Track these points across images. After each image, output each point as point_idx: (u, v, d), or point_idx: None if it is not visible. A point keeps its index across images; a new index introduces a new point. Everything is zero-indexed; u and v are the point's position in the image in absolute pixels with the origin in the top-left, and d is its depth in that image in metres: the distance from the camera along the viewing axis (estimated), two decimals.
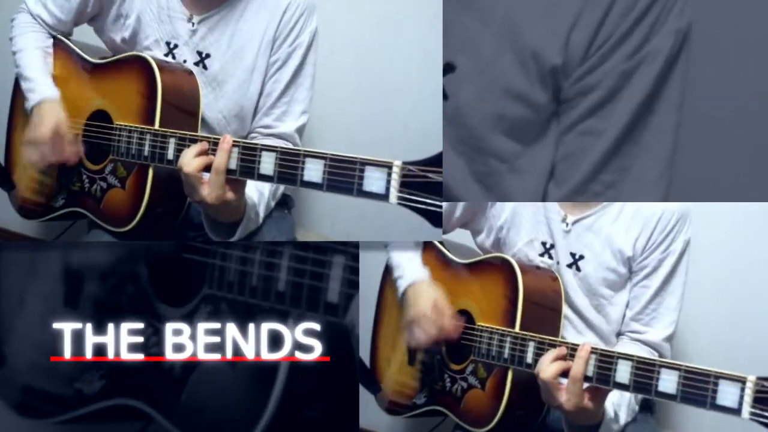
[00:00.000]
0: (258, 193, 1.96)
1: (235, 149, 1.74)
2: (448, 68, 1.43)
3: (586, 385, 1.71)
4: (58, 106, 2.01)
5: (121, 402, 1.92)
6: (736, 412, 1.52)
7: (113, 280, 1.94)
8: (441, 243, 2.10)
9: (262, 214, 1.98)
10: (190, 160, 1.77)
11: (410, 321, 2.02)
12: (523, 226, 1.98)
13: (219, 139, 1.75)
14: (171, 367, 1.86)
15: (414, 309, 2.01)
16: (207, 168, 1.76)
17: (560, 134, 1.31)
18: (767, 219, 2.19)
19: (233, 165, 1.74)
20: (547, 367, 1.74)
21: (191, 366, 1.84)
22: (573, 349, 1.74)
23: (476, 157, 1.50)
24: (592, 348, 1.71)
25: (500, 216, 2.00)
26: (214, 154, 1.75)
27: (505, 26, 1.29)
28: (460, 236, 2.14)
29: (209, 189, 1.75)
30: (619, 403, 1.84)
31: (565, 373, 1.73)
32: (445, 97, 1.46)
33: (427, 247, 2.10)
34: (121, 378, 1.91)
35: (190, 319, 1.85)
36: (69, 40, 2.10)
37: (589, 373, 1.70)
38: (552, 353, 1.76)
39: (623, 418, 1.85)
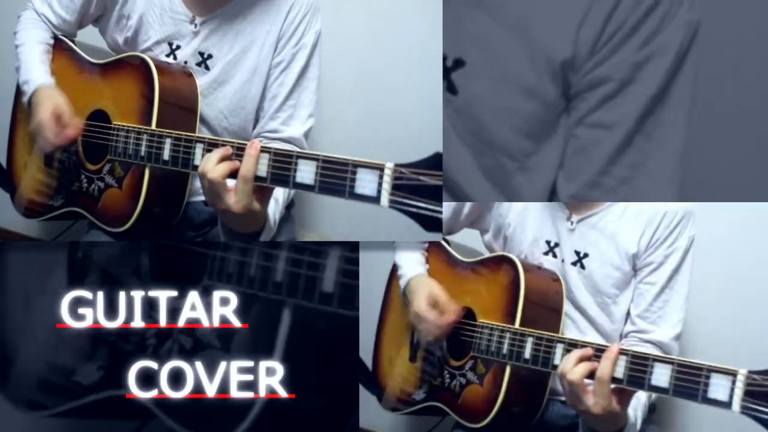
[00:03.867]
0: (273, 200, 1.91)
1: None
2: (457, 63, 1.42)
3: (613, 386, 1.65)
4: (55, 91, 2.01)
5: (119, 393, 1.90)
6: (727, 405, 1.51)
7: (113, 271, 1.95)
8: (446, 242, 2.10)
9: (277, 222, 1.95)
10: (213, 166, 1.67)
11: (412, 319, 2.03)
12: (529, 225, 1.99)
13: (244, 143, 1.66)
14: (167, 358, 1.85)
15: (413, 305, 2.02)
16: (231, 174, 1.67)
17: (571, 128, 1.29)
18: (767, 219, 2.18)
19: None
20: (574, 369, 1.68)
21: (186, 356, 1.84)
22: (597, 350, 1.70)
23: (485, 151, 1.46)
24: (622, 349, 1.66)
25: (507, 215, 2.01)
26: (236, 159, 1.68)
27: (516, 21, 1.28)
28: (465, 238, 2.15)
29: (236, 198, 1.65)
30: (635, 406, 1.80)
31: (590, 375, 1.67)
32: (454, 92, 1.44)
33: (432, 246, 2.10)
34: (119, 369, 1.90)
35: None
36: (71, 40, 2.12)
37: None
38: (576, 354, 1.69)
39: (639, 421, 1.82)
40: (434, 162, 1.51)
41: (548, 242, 1.97)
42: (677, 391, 1.56)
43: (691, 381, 1.55)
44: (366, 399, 2.08)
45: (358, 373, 2.07)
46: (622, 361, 1.64)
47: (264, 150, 1.66)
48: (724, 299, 2.21)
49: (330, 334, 1.78)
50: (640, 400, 1.81)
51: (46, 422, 2.06)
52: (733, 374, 1.50)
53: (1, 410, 2.02)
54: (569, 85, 1.24)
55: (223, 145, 1.70)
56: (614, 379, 1.64)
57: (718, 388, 1.52)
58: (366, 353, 2.15)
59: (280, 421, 1.79)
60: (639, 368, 1.61)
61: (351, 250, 1.73)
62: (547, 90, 1.25)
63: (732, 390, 1.50)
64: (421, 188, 1.51)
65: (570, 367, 1.68)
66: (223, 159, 1.67)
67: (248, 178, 1.64)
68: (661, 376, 1.58)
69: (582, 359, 1.69)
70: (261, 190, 1.67)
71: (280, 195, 1.95)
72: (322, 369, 1.82)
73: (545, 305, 1.92)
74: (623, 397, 1.67)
